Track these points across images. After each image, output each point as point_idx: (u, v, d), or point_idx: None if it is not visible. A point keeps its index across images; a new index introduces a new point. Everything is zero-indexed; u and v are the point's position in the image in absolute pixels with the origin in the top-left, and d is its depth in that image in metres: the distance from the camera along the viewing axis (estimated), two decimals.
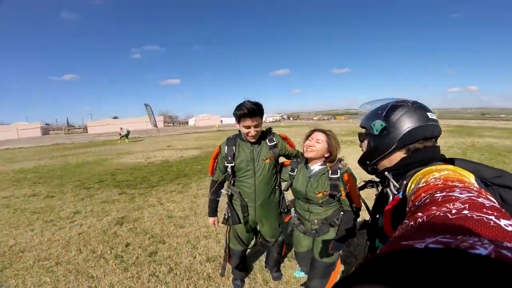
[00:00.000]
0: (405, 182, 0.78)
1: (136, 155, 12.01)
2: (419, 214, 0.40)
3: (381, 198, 0.99)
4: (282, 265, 2.79)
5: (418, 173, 0.73)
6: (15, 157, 14.14)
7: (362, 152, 1.05)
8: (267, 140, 2.10)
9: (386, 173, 0.90)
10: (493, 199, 0.42)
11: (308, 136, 1.99)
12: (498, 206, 0.38)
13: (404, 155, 0.89)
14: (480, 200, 0.39)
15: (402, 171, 0.86)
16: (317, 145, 1.89)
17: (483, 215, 0.33)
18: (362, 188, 1.74)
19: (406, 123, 0.86)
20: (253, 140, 2.02)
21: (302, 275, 2.58)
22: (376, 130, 0.91)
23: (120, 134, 21.79)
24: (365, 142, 1.01)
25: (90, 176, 7.78)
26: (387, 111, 0.90)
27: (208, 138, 20.21)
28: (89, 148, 17.48)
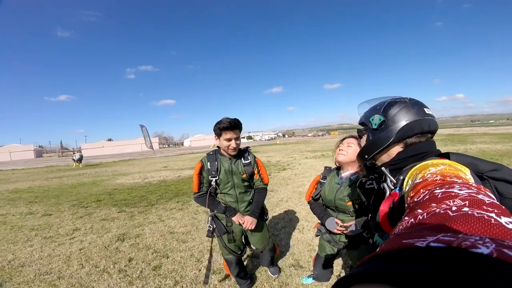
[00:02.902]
0: (401, 178, 0.80)
1: (133, 176, 11.91)
2: (419, 211, 0.40)
3: (379, 194, 1.00)
4: (288, 273, 2.81)
5: (415, 168, 0.75)
6: (9, 178, 13.96)
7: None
8: (242, 158, 2.29)
9: (383, 168, 0.91)
10: (492, 196, 0.42)
11: (339, 144, 2.02)
12: (498, 203, 0.38)
13: (401, 150, 0.91)
14: (479, 197, 0.39)
15: (398, 166, 0.88)
16: (348, 149, 1.88)
17: (483, 212, 0.33)
18: (361, 186, 1.77)
19: (404, 117, 0.89)
20: (233, 153, 2.20)
21: (310, 282, 2.58)
22: (375, 124, 0.94)
23: (73, 159, 21.78)
24: (364, 137, 1.03)
25: (87, 196, 7.69)
26: (385, 106, 0.93)
27: None
28: (84, 170, 17.31)
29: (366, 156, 0.99)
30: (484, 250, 0.22)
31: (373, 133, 0.95)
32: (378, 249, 0.29)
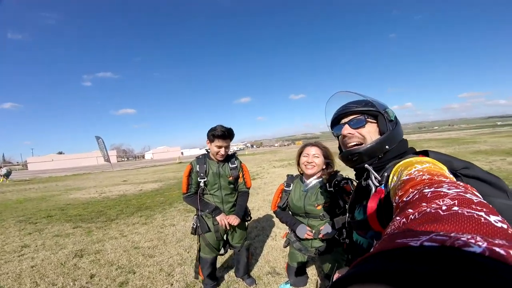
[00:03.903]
0: (386, 174, 0.82)
1: (88, 191, 11.30)
2: (410, 210, 0.40)
3: (359, 192, 1.02)
4: (266, 281, 2.81)
5: (399, 164, 0.77)
6: None
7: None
8: (229, 162, 2.50)
9: (366, 165, 0.92)
10: (479, 195, 0.43)
11: (300, 153, 2.04)
12: (485, 202, 0.38)
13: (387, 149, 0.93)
14: (468, 196, 0.40)
15: (381, 164, 0.90)
16: (316, 159, 1.94)
17: (473, 211, 0.33)
18: (336, 185, 1.82)
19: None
20: (221, 159, 2.42)
21: None
22: (392, 117, 0.94)
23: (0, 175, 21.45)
24: (371, 125, 0.97)
25: (35, 211, 7.15)
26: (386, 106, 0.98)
27: (169, 171, 19.57)
28: (31, 184, 16.11)
29: (387, 147, 0.92)
30: (476, 249, 0.23)
31: (392, 125, 0.94)
32: (372, 250, 0.29)
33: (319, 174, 2.00)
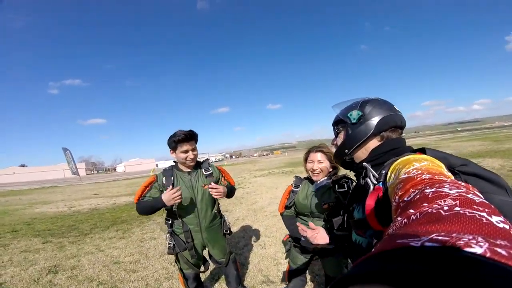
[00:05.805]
0: (384, 172, 0.83)
1: (56, 204, 10.73)
2: (411, 211, 0.40)
3: (357, 191, 1.06)
4: None
5: (397, 162, 0.78)
6: None
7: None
8: (203, 169, 2.30)
9: (364, 163, 0.95)
10: (480, 195, 0.43)
11: (306, 159, 2.09)
12: (488, 202, 0.38)
13: (378, 144, 0.99)
14: (470, 196, 0.40)
15: (380, 161, 0.93)
16: (321, 165, 1.98)
17: (475, 211, 0.33)
18: (335, 183, 1.87)
19: (379, 112, 1.00)
20: (192, 164, 2.21)
21: None
22: (354, 119, 1.03)
23: None
24: (341, 134, 1.11)
25: None
26: (361, 103, 1.04)
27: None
28: None
29: (347, 151, 1.06)
30: (477, 250, 0.23)
31: (352, 127, 1.04)
32: (373, 250, 0.30)
33: (328, 176, 2.03)
